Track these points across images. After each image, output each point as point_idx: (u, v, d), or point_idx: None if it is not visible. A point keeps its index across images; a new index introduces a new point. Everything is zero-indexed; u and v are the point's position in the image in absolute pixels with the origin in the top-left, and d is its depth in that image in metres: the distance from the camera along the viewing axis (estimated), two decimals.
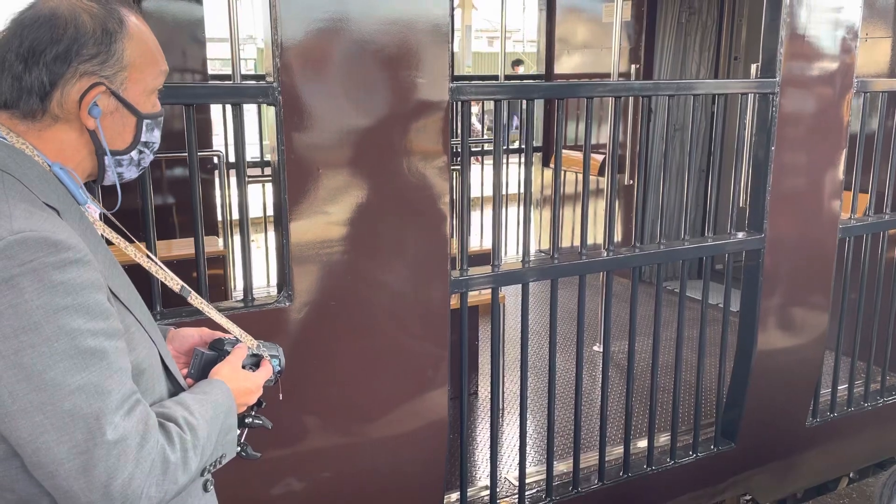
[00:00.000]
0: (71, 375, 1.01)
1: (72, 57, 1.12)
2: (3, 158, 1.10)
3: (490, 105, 6.38)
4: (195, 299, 1.34)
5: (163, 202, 4.36)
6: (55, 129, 1.15)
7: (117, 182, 1.23)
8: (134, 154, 1.22)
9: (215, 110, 5.02)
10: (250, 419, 1.37)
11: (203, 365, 1.32)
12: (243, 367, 1.35)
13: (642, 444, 3.11)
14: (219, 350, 1.35)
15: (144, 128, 1.21)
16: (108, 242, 1.24)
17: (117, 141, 1.19)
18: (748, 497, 4.04)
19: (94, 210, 1.22)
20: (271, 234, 4.95)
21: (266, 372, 1.38)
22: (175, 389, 1.26)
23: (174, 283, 1.31)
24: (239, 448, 1.31)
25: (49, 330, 1.00)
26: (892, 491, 1.40)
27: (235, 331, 1.39)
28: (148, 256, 1.29)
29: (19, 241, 1.00)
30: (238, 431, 1.30)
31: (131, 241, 1.26)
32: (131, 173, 1.24)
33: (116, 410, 1.04)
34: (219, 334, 1.40)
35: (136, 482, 1.04)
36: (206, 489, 1.28)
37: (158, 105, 1.24)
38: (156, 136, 1.24)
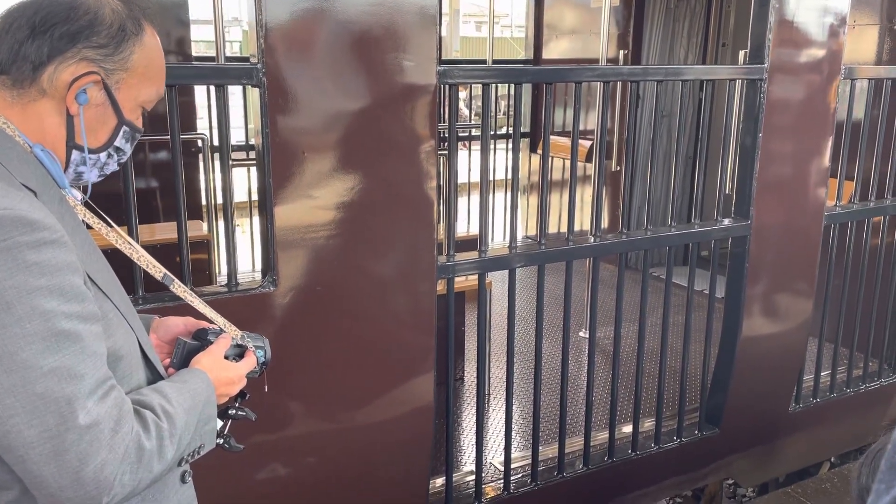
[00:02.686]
0: (43, 358, 0.99)
1: (80, 39, 1.12)
2: None
3: (477, 91, 6.34)
4: (178, 287, 1.32)
5: (146, 185, 4.31)
6: (39, 105, 1.13)
7: (86, 181, 1.20)
8: (103, 156, 1.20)
9: (200, 94, 4.96)
10: (234, 411, 1.35)
11: (185, 354, 1.30)
12: (226, 357, 1.32)
13: (627, 429, 3.12)
14: (202, 340, 1.33)
15: (122, 133, 1.20)
16: (89, 227, 1.21)
17: (92, 137, 1.17)
18: (731, 481, 4.09)
19: (75, 194, 1.20)
20: (256, 218, 4.91)
21: (249, 363, 1.36)
22: (154, 378, 1.24)
23: (156, 270, 1.29)
24: (222, 440, 1.29)
25: (21, 310, 0.98)
26: (871, 469, 1.41)
27: (219, 321, 1.36)
28: (129, 243, 1.27)
29: None
30: (221, 423, 1.28)
31: (111, 227, 1.24)
32: (92, 176, 1.22)
33: (90, 395, 1.02)
34: (204, 324, 1.38)
35: (109, 469, 1.02)
36: (183, 480, 1.26)
37: (141, 122, 1.23)
38: (127, 148, 1.23)
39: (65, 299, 1.02)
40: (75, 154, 1.17)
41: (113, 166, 1.23)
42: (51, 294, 1.00)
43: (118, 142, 1.20)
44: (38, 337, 0.99)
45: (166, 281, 1.30)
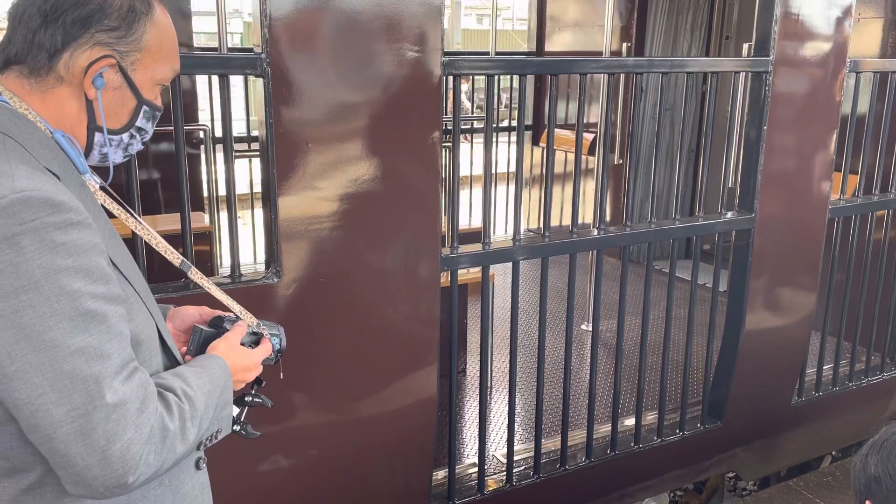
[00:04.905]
0: (71, 337, 1.00)
1: (92, 24, 1.12)
2: (4, 122, 1.09)
3: (478, 83, 6.31)
4: (195, 274, 1.33)
5: (148, 177, 4.30)
6: (58, 92, 1.14)
7: (110, 163, 1.22)
8: (125, 136, 1.21)
9: (201, 86, 4.95)
10: (250, 397, 1.36)
11: (202, 342, 1.31)
12: (242, 344, 1.33)
13: (630, 422, 3.12)
14: (218, 328, 1.34)
15: (142, 113, 1.21)
16: (109, 214, 1.22)
17: (113, 119, 1.18)
18: (732, 475, 4.09)
19: (93, 181, 1.20)
20: (257, 210, 4.90)
21: (265, 350, 1.37)
22: (171, 364, 1.25)
23: (174, 256, 1.31)
24: (238, 427, 1.30)
25: (49, 290, 0.99)
26: (880, 459, 1.41)
27: (235, 308, 1.37)
28: (147, 229, 1.27)
29: (21, 200, 0.99)
30: (238, 410, 1.29)
31: (130, 213, 1.24)
32: (117, 156, 1.23)
33: (116, 374, 1.03)
34: (219, 313, 1.38)
35: (135, 448, 1.02)
36: (198, 467, 1.28)
37: (160, 100, 1.24)
38: (149, 127, 1.24)
39: (91, 280, 1.02)
40: (98, 136, 1.18)
41: (137, 146, 1.24)
42: (77, 274, 1.01)
43: (139, 122, 1.21)
44: (65, 316, 0.99)
45: (184, 267, 1.32)
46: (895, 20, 3.93)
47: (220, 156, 4.30)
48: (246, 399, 1.35)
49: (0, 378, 0.99)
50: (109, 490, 1.03)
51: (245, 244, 5.08)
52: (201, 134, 4.40)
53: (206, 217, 4.28)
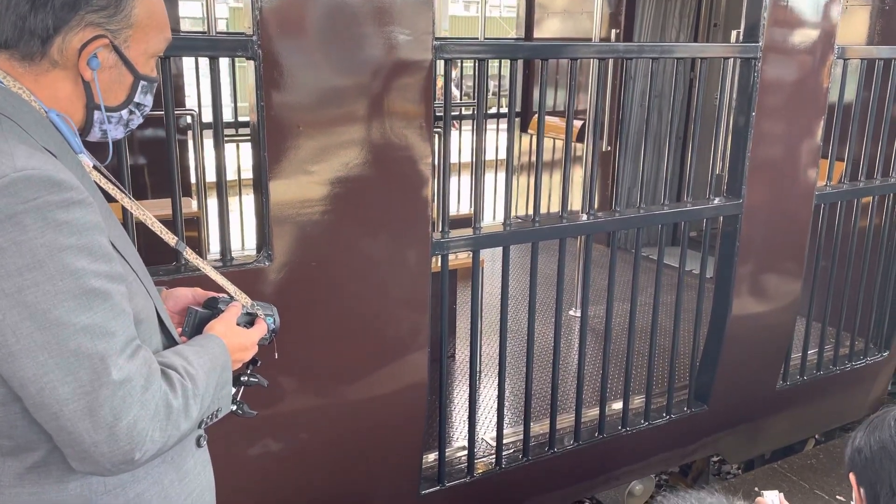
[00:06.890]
0: (76, 315, 1.00)
1: (80, 5, 1.11)
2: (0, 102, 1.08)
3: (466, 70, 6.30)
4: (190, 254, 1.33)
5: (134, 162, 4.26)
6: (52, 75, 1.13)
7: (109, 140, 1.22)
8: (124, 113, 1.21)
9: (187, 70, 4.91)
10: (246, 377, 1.37)
11: (197, 323, 1.31)
12: (237, 324, 1.34)
13: (617, 406, 3.15)
14: (213, 308, 1.34)
15: (140, 88, 1.20)
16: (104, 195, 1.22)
17: (111, 97, 1.18)
18: (717, 459, 4.14)
19: (87, 161, 1.20)
20: (244, 196, 4.88)
21: (260, 330, 1.38)
22: (170, 344, 1.25)
23: (169, 237, 1.31)
24: (235, 406, 1.30)
25: (53, 268, 0.99)
26: (865, 433, 1.45)
27: (230, 288, 1.38)
28: (141, 210, 1.27)
29: (23, 179, 0.99)
30: (234, 389, 1.29)
31: (125, 193, 1.24)
32: (117, 132, 1.23)
33: (121, 352, 1.03)
34: (213, 294, 1.39)
35: (141, 424, 1.03)
36: (199, 444, 1.29)
37: (155, 71, 1.24)
38: (148, 100, 1.24)
39: (94, 258, 1.03)
40: (97, 114, 1.18)
41: (137, 120, 1.24)
42: (80, 253, 1.01)
43: (138, 97, 1.21)
44: (70, 294, 1.00)
45: (179, 247, 1.33)
46: (882, 8, 3.96)
47: (207, 141, 4.27)
48: (242, 379, 1.36)
49: (6, 357, 0.99)
50: (116, 466, 1.03)
51: (232, 231, 5.07)
52: (188, 119, 4.37)
53: (194, 203, 4.25)
